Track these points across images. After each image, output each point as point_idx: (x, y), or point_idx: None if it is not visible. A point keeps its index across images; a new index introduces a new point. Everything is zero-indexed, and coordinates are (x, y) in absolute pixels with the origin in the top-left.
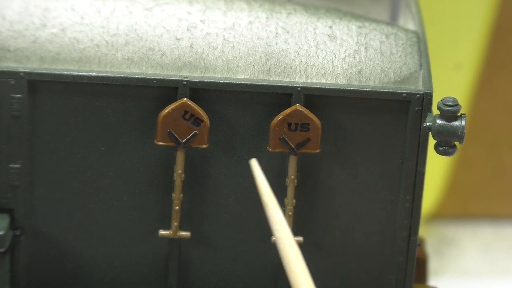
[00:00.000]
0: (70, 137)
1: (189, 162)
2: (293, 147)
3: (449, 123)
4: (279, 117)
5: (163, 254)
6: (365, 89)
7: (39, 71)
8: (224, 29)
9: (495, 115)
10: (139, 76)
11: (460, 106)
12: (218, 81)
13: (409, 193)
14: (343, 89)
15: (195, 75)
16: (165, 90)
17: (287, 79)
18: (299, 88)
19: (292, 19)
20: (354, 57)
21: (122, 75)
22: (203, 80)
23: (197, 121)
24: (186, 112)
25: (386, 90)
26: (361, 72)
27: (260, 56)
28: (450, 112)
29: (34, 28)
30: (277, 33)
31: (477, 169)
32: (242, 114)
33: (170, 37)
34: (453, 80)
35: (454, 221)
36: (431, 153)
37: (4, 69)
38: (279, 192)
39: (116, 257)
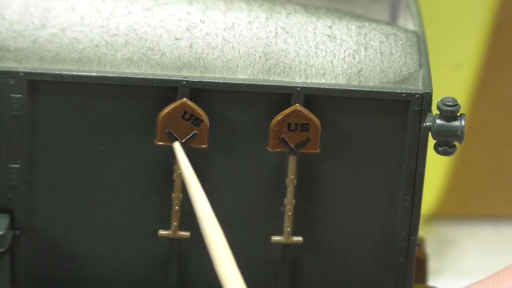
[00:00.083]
0: (70, 137)
1: (189, 162)
2: (293, 147)
3: (448, 123)
4: (279, 117)
5: (163, 254)
6: (364, 89)
7: (39, 71)
8: (224, 29)
9: (495, 115)
10: (139, 76)
11: (460, 106)
12: (217, 81)
13: (409, 193)
14: (342, 89)
15: (195, 75)
16: (164, 90)
17: (287, 79)
18: (298, 88)
19: (291, 19)
20: (354, 57)
21: (122, 75)
22: (203, 80)
23: (197, 121)
24: (185, 112)
25: (385, 90)
26: (360, 72)
27: (260, 56)
28: (450, 112)
29: (34, 28)
30: (276, 33)
31: (477, 169)
32: (241, 114)
33: (170, 37)
34: (453, 80)
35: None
36: (431, 153)
37: (4, 69)
38: (279, 192)
39: (116, 257)
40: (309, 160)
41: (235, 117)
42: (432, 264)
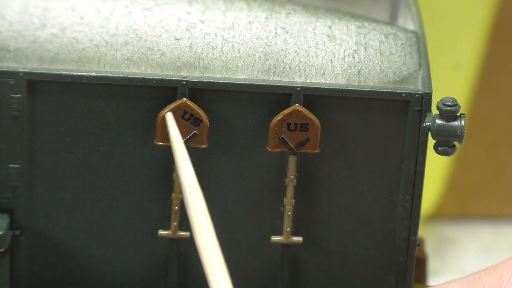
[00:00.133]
0: (70, 137)
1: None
2: (293, 147)
3: (448, 123)
4: (279, 117)
5: (163, 254)
6: (364, 89)
7: (38, 71)
8: (224, 29)
9: (495, 115)
10: (139, 76)
11: (460, 106)
12: (217, 81)
13: (408, 193)
14: (342, 89)
15: (195, 75)
16: (164, 90)
17: (287, 79)
18: (298, 88)
19: (291, 19)
20: (354, 57)
21: (122, 75)
22: (203, 80)
23: (197, 121)
24: (185, 112)
25: (385, 90)
26: (360, 72)
27: (260, 56)
28: (450, 112)
29: (34, 28)
30: (276, 33)
31: (477, 169)
32: (241, 114)
33: (170, 37)
34: (452, 80)
35: (454, 221)
36: (430, 153)
37: (4, 69)
38: (279, 192)
39: (116, 257)
40: (309, 160)
41: (235, 117)
42: (432, 264)
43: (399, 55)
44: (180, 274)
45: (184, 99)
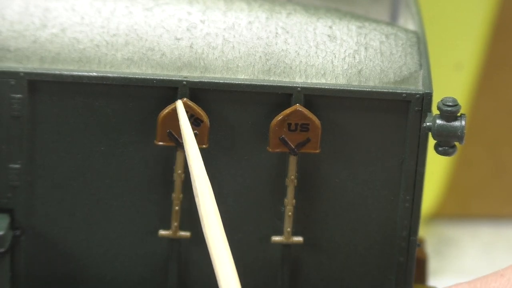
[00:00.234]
0: (70, 137)
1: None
2: (293, 147)
3: (449, 123)
4: (279, 117)
5: (163, 254)
6: (365, 89)
7: (39, 71)
8: (224, 29)
9: (495, 115)
10: (139, 76)
11: (460, 106)
12: (218, 81)
13: (409, 193)
14: (343, 89)
15: (195, 75)
16: (165, 90)
17: (287, 79)
18: (299, 88)
19: (292, 19)
20: (354, 57)
21: (122, 75)
22: (203, 80)
23: (197, 121)
24: (186, 112)
25: (386, 90)
26: (361, 72)
27: (260, 56)
28: (450, 112)
29: (34, 28)
30: (277, 33)
31: (477, 169)
32: (242, 114)
33: (170, 37)
34: (453, 80)
35: (454, 221)
36: (431, 153)
37: (4, 69)
38: (279, 192)
39: (116, 257)
40: (309, 160)
41: (235, 117)
42: (432, 264)
43: (400, 55)
44: (180, 274)
45: (185, 99)
